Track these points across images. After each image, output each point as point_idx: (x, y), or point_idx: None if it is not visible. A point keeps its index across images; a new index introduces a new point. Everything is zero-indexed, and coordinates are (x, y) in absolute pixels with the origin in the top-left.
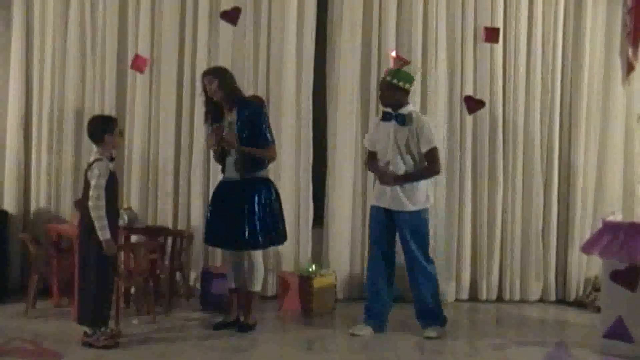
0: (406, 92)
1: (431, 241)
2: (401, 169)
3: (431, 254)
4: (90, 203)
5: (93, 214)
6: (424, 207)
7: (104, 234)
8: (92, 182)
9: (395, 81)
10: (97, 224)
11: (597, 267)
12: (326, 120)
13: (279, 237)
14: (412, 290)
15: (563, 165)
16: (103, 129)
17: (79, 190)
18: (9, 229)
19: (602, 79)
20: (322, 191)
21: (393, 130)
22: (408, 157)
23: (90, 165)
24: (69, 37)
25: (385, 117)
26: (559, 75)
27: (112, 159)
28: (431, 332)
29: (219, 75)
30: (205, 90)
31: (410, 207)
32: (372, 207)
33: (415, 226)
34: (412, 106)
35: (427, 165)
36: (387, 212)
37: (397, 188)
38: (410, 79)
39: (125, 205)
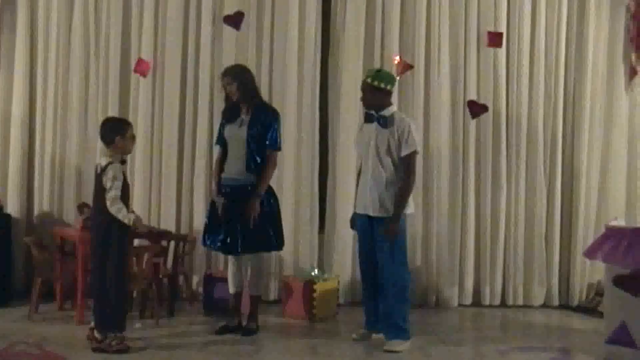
0: (388, 93)
1: (434, 246)
2: (382, 175)
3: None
4: (108, 203)
5: (113, 209)
6: (405, 213)
7: (129, 219)
8: (109, 184)
9: (375, 82)
10: (120, 216)
11: (600, 272)
12: (327, 125)
13: (283, 241)
14: (380, 299)
15: (566, 171)
16: (115, 131)
17: (83, 194)
18: (12, 232)
19: (605, 84)
20: (324, 196)
21: (375, 132)
22: (388, 160)
23: (104, 168)
24: (72, 40)
25: (368, 118)
26: (562, 79)
27: (123, 162)
28: (394, 346)
29: (237, 77)
30: (224, 89)
31: (390, 214)
32: (357, 216)
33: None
34: (395, 107)
35: (402, 182)
36: (370, 218)
37: (377, 194)
38: (391, 80)
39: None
